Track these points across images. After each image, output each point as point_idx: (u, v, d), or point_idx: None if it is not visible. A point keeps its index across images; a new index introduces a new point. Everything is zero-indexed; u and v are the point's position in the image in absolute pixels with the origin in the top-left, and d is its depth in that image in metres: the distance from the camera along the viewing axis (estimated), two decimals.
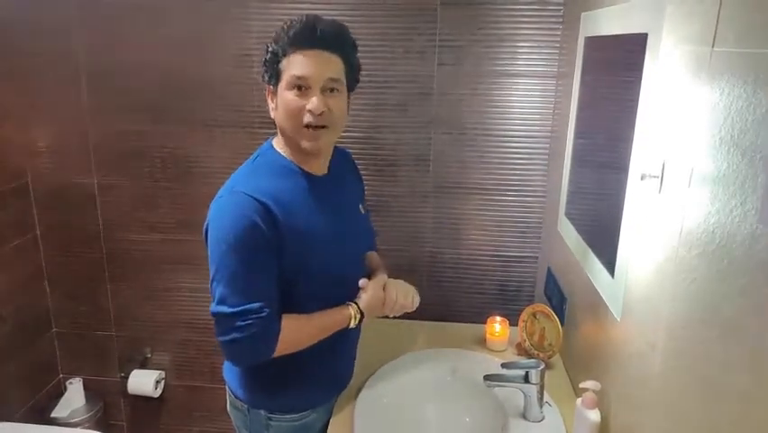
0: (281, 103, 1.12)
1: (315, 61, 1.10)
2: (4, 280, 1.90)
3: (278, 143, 1.21)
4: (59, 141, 1.92)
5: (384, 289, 1.27)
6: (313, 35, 1.10)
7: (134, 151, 1.90)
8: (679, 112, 0.85)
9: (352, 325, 1.22)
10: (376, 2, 1.69)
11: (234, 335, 1.08)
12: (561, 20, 1.66)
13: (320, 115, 1.10)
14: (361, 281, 1.26)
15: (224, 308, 1.08)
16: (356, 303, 1.23)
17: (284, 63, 1.11)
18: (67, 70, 1.84)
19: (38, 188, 1.97)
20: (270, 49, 1.13)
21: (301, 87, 1.10)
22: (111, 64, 1.83)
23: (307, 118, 1.11)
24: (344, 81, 1.15)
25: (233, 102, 1.82)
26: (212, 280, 1.10)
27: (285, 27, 1.12)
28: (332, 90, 1.12)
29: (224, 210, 1.11)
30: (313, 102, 1.09)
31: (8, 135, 1.90)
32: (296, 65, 1.10)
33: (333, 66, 1.12)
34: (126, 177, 1.93)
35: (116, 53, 1.82)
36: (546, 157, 1.78)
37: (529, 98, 1.74)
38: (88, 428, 2.05)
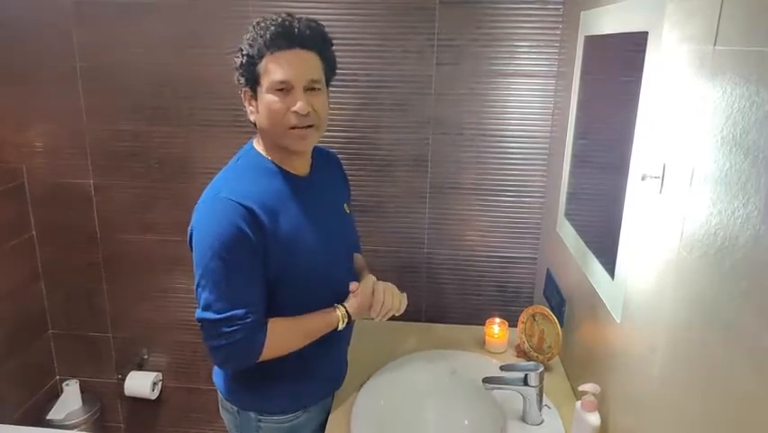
0: (264, 106, 1.11)
1: (295, 62, 1.09)
2: (0, 281, 1.89)
3: (258, 144, 1.21)
4: (56, 141, 1.91)
5: (372, 292, 1.25)
6: (290, 35, 1.09)
7: (131, 151, 1.89)
8: (680, 111, 0.84)
9: (341, 327, 1.22)
10: (374, 1, 1.68)
11: (220, 341, 1.08)
12: (560, 19, 1.65)
13: (306, 115, 1.10)
14: (352, 285, 1.25)
15: (210, 315, 1.08)
16: (344, 306, 1.22)
17: (262, 66, 1.09)
18: (63, 70, 1.82)
19: (34, 188, 1.96)
20: (246, 52, 1.11)
21: (283, 88, 1.09)
22: (108, 64, 1.81)
23: (293, 120, 1.10)
24: (324, 79, 1.15)
25: (230, 102, 1.80)
26: (197, 286, 1.10)
27: (259, 29, 1.10)
28: (313, 89, 1.12)
29: (208, 216, 1.10)
30: (299, 104, 1.08)
31: (4, 135, 1.89)
32: (276, 68, 1.08)
33: (312, 65, 1.12)
34: (123, 177, 1.92)
35: (113, 53, 1.80)
36: (545, 157, 1.77)
37: (528, 98, 1.73)
38: (85, 430, 2.04)
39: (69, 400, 2.08)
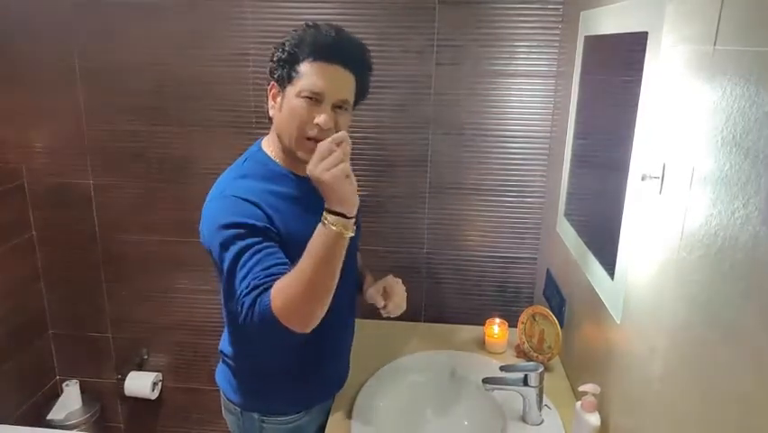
0: (288, 108, 1.10)
1: (334, 77, 1.09)
2: (0, 281, 1.89)
3: (267, 145, 1.20)
4: (56, 141, 1.90)
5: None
6: (338, 51, 1.09)
7: (131, 151, 1.89)
8: (680, 112, 0.84)
9: (344, 230, 0.99)
10: (374, 1, 1.68)
11: (241, 319, 1.01)
12: (560, 19, 1.65)
13: (327, 130, 1.09)
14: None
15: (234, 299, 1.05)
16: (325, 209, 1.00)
17: (301, 68, 1.09)
18: (63, 71, 1.82)
19: (34, 188, 1.96)
20: (288, 49, 1.10)
21: (313, 98, 1.09)
22: (108, 64, 1.81)
23: (313, 131, 1.09)
24: (352, 101, 1.15)
25: (230, 102, 1.80)
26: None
27: (309, 32, 1.10)
28: (340, 107, 1.12)
29: (215, 213, 1.09)
30: (323, 117, 1.08)
31: (4, 135, 1.89)
32: (315, 76, 1.08)
33: (348, 85, 1.12)
34: (123, 178, 1.91)
35: (113, 53, 1.80)
36: (545, 157, 1.77)
37: (528, 98, 1.73)
38: (85, 430, 2.04)
39: (69, 401, 2.08)
